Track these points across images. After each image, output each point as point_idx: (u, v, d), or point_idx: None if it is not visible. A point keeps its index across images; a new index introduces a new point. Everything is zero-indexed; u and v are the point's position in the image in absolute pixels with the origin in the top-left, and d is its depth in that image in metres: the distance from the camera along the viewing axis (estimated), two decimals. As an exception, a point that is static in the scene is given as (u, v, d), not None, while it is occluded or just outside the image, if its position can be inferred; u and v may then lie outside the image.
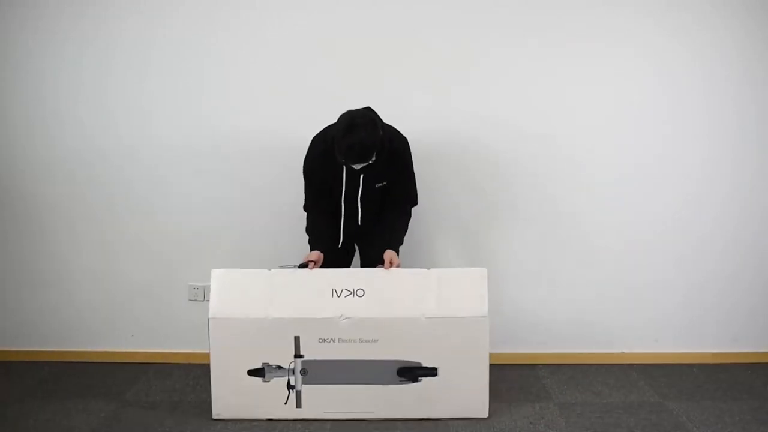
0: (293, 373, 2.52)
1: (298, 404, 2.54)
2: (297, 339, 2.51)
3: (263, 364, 2.52)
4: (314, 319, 2.49)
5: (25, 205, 3.02)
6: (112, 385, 2.87)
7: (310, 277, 2.51)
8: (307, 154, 2.56)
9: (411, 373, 2.52)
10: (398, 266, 2.54)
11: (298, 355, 2.51)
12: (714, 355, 3.08)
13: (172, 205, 3.00)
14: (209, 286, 2.53)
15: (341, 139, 2.31)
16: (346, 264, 2.71)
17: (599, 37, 2.87)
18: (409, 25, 2.86)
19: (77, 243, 3.04)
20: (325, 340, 2.50)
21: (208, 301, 2.53)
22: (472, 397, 2.55)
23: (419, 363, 2.52)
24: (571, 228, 3.00)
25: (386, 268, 2.52)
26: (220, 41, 2.88)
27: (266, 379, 2.52)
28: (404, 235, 2.63)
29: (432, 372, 2.52)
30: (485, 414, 2.56)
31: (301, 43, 2.87)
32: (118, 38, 2.88)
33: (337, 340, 2.49)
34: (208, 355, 2.52)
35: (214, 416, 2.55)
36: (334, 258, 2.60)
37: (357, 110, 2.38)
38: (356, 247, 2.74)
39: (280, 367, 2.52)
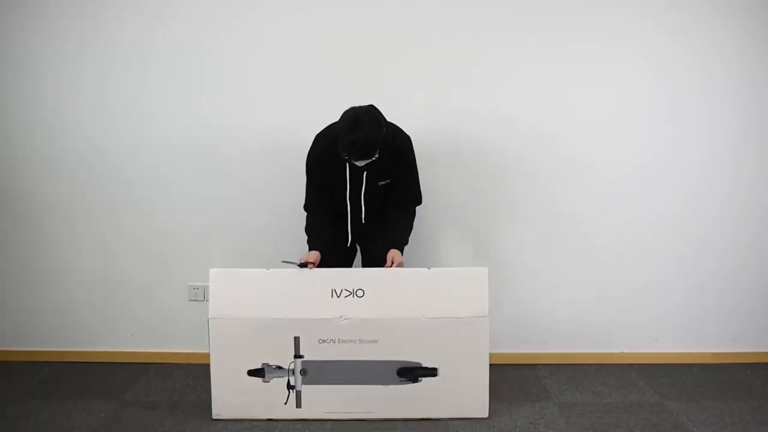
0: (293, 374, 2.52)
1: (298, 404, 2.54)
2: (297, 339, 2.51)
3: (263, 364, 2.52)
4: (314, 320, 2.49)
5: (25, 205, 3.02)
6: (112, 385, 2.87)
7: (310, 278, 2.51)
8: (310, 151, 2.56)
9: (411, 373, 2.52)
10: (400, 265, 2.52)
11: (298, 356, 2.51)
12: (714, 355, 3.08)
13: (172, 205, 3.00)
14: (209, 286, 2.53)
15: (345, 135, 2.31)
16: (348, 264, 2.71)
17: (599, 37, 2.87)
18: (409, 25, 2.86)
19: (77, 243, 3.04)
20: (324, 341, 2.50)
21: (208, 301, 2.53)
22: (472, 397, 2.55)
23: (419, 363, 2.52)
24: (571, 228, 3.01)
25: (387, 266, 2.51)
26: (220, 41, 2.88)
27: (266, 379, 2.52)
28: (409, 234, 2.61)
29: (432, 372, 2.52)
30: (485, 414, 2.56)
31: (301, 43, 2.87)
32: (118, 38, 2.88)
33: (336, 341, 2.50)
34: (208, 355, 2.53)
35: (214, 416, 2.55)
36: (336, 257, 2.59)
37: (360, 107, 2.38)
38: (358, 247, 2.73)
39: (280, 368, 2.52)
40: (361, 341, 2.50)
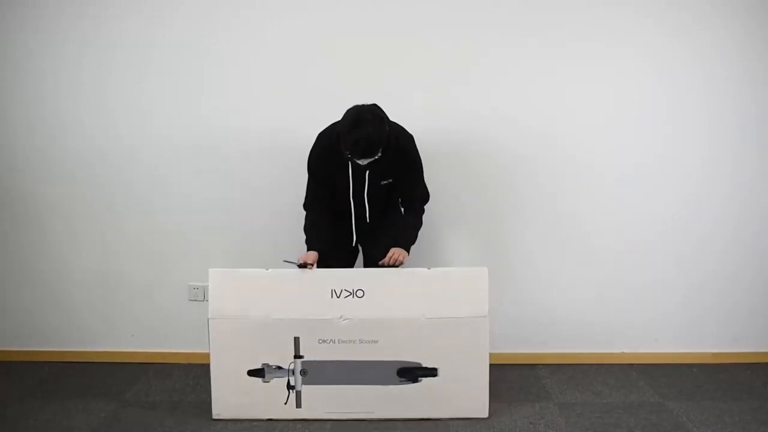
0: (293, 374, 2.52)
1: (298, 404, 2.54)
2: (297, 339, 2.51)
3: (263, 364, 2.52)
4: (314, 320, 2.49)
5: (25, 205, 3.02)
6: (112, 385, 2.87)
7: (310, 278, 2.51)
8: (312, 149, 2.55)
9: (411, 373, 2.52)
10: (401, 263, 2.51)
11: (297, 356, 2.51)
12: (714, 355, 3.08)
13: (172, 205, 3.00)
14: (209, 286, 2.53)
15: (347, 134, 2.31)
16: (350, 264, 2.70)
17: (599, 37, 2.87)
18: (409, 25, 2.86)
19: (77, 243, 3.04)
20: (324, 341, 2.50)
21: (207, 301, 2.53)
22: (472, 397, 2.55)
23: (419, 363, 2.52)
24: (571, 228, 3.01)
25: (384, 262, 2.50)
26: (220, 41, 2.88)
27: (266, 379, 2.52)
28: (416, 233, 2.59)
29: (432, 372, 2.52)
30: (485, 414, 2.56)
31: (301, 43, 2.87)
32: (118, 38, 2.88)
33: (336, 341, 2.50)
34: (208, 355, 2.53)
35: (214, 416, 2.55)
36: (336, 258, 2.59)
37: (364, 105, 2.37)
38: (360, 248, 2.72)
39: (280, 368, 2.52)
40: (361, 341, 2.50)
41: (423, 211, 2.62)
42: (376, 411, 2.54)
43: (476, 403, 2.55)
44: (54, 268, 3.06)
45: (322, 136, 2.53)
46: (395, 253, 2.50)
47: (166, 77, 2.90)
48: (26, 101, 2.94)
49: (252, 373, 2.52)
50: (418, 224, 2.60)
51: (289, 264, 2.53)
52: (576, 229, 3.01)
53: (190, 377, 2.93)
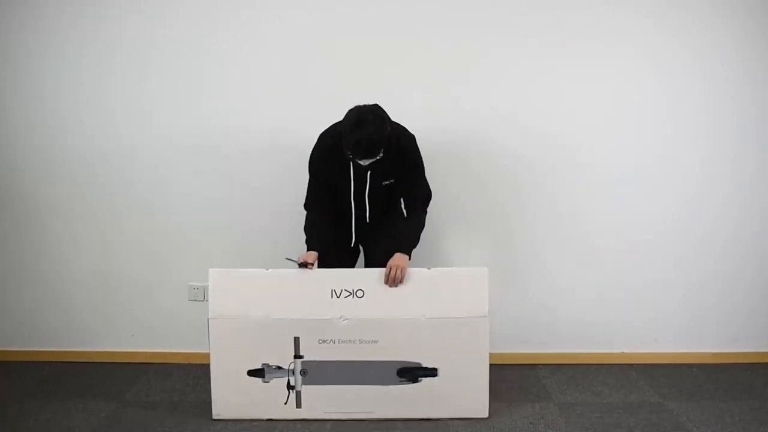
0: (293, 374, 2.52)
1: (298, 404, 2.54)
2: (297, 339, 2.51)
3: (263, 364, 2.52)
4: (314, 320, 2.49)
5: (25, 205, 3.02)
6: (112, 385, 2.87)
7: (310, 278, 2.51)
8: (314, 149, 2.54)
9: (411, 373, 2.52)
10: (401, 280, 2.46)
11: (297, 356, 2.51)
12: (714, 355, 3.08)
13: (172, 205, 3.00)
14: (209, 286, 2.52)
15: (349, 134, 2.30)
16: (350, 265, 2.69)
17: (599, 37, 2.87)
18: (409, 25, 2.86)
19: (77, 243, 3.04)
20: (324, 341, 2.50)
21: (207, 301, 2.53)
22: (472, 397, 2.55)
23: (419, 363, 2.52)
24: (571, 228, 3.01)
25: (387, 283, 2.47)
26: (220, 41, 2.88)
27: (266, 379, 2.52)
28: (418, 234, 2.56)
29: (432, 372, 2.52)
30: (485, 414, 2.56)
31: (301, 43, 2.87)
32: (118, 38, 2.88)
33: (336, 341, 2.50)
34: (208, 355, 2.53)
35: (214, 416, 2.55)
36: (337, 258, 2.58)
37: (365, 106, 2.37)
38: (361, 248, 2.72)
39: (280, 368, 2.52)
40: (361, 341, 2.50)
41: (425, 211, 2.61)
42: (376, 411, 2.54)
43: (476, 403, 2.55)
44: (54, 268, 3.06)
45: (324, 136, 2.53)
46: (394, 269, 2.45)
47: (166, 77, 2.90)
48: (26, 101, 2.94)
49: (252, 373, 2.52)
50: (420, 225, 2.59)
51: (291, 262, 2.53)
52: (576, 229, 3.01)
53: (190, 377, 2.93)
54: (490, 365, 2.54)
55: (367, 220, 2.57)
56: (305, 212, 2.60)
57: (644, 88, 2.91)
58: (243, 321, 2.50)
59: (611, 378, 2.94)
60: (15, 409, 2.66)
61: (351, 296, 2.49)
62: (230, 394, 2.54)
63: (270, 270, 2.52)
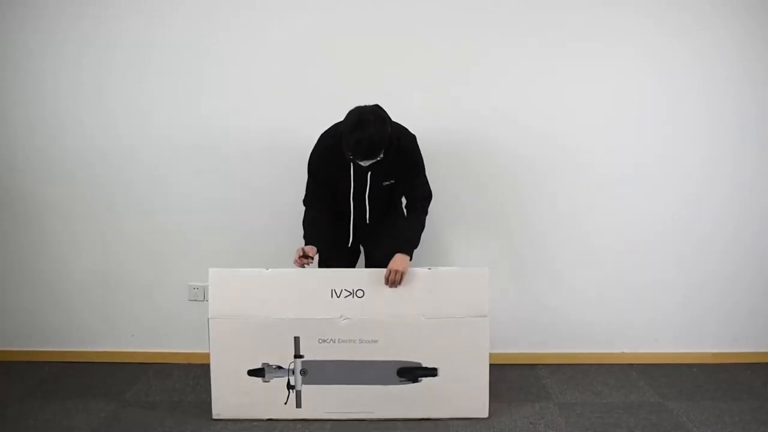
0: (293, 374, 2.52)
1: (298, 404, 2.54)
2: (297, 339, 2.51)
3: (263, 364, 2.52)
4: (314, 320, 2.49)
5: (25, 205, 3.02)
6: (112, 385, 2.87)
7: (310, 278, 2.51)
8: (314, 149, 2.53)
9: (411, 373, 2.52)
10: (400, 281, 2.45)
11: (298, 356, 2.51)
12: (714, 355, 3.08)
13: (172, 205, 3.00)
14: (209, 285, 2.53)
15: (349, 134, 2.30)
16: (351, 265, 2.68)
17: (599, 37, 2.87)
18: (409, 25, 2.86)
19: (77, 243, 3.04)
20: (325, 341, 2.50)
21: (207, 301, 2.53)
22: (472, 397, 2.55)
23: (419, 363, 2.52)
24: (571, 228, 3.01)
25: (387, 284, 2.47)
26: (220, 41, 2.88)
27: (266, 379, 2.52)
28: (419, 234, 2.55)
29: (432, 372, 2.52)
30: (485, 414, 2.56)
31: (301, 43, 2.87)
32: (118, 38, 2.88)
33: (336, 341, 2.50)
34: (208, 355, 2.53)
35: (214, 416, 2.56)
36: (337, 258, 2.58)
37: (366, 106, 2.36)
38: (361, 248, 2.71)
39: (280, 367, 2.52)
40: (361, 341, 2.50)
41: (426, 211, 2.59)
42: (376, 411, 2.54)
43: (476, 403, 2.55)
44: (54, 268, 3.06)
45: (324, 137, 2.53)
46: (393, 273, 2.45)
47: (166, 77, 2.90)
48: (26, 101, 2.94)
49: (252, 373, 2.52)
50: (421, 225, 2.57)
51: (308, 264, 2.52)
52: (576, 229, 3.01)
53: (190, 377, 2.93)
54: (490, 365, 2.54)
55: (367, 221, 2.57)
56: (304, 208, 2.59)
57: (644, 88, 2.91)
58: (243, 321, 2.50)
59: (611, 378, 2.94)
60: (15, 409, 2.66)
61: (351, 296, 2.49)
62: (230, 394, 2.54)
63: (270, 270, 2.52)
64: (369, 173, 2.47)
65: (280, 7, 2.86)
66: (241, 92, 2.91)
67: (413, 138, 2.54)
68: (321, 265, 2.56)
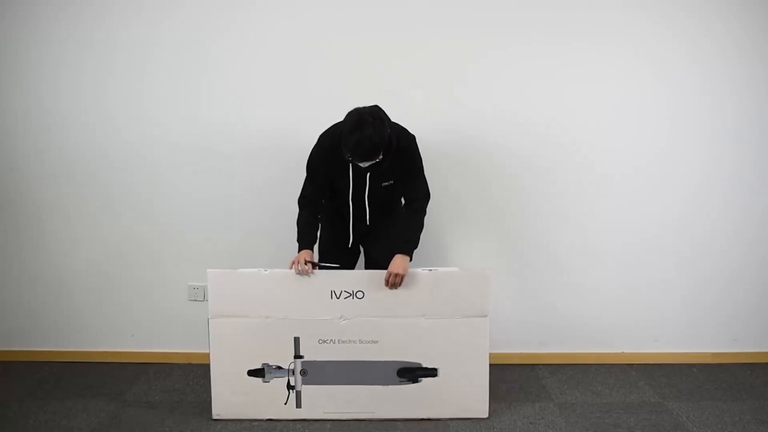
0: (293, 374, 2.52)
1: (298, 404, 2.54)
2: (297, 340, 2.51)
3: (263, 364, 2.52)
4: (314, 320, 2.49)
5: (25, 205, 3.02)
6: (112, 385, 2.87)
7: (310, 279, 2.50)
8: (314, 148, 2.53)
9: (411, 373, 2.52)
10: (400, 282, 2.45)
11: (298, 356, 2.51)
12: (714, 355, 3.08)
13: (172, 205, 3.00)
14: (208, 286, 2.52)
15: (349, 136, 2.29)
16: (351, 265, 2.68)
17: (600, 36, 2.87)
18: (410, 25, 2.85)
19: (77, 243, 3.04)
20: (325, 341, 2.50)
21: (207, 301, 2.53)
22: (472, 397, 2.55)
23: (419, 363, 2.52)
24: (571, 228, 3.00)
25: (387, 285, 2.46)
26: (220, 41, 2.87)
27: (266, 379, 2.52)
28: (418, 234, 2.53)
29: (432, 372, 2.52)
30: (485, 414, 2.56)
31: (301, 43, 2.86)
32: (118, 38, 2.88)
33: (337, 341, 2.50)
34: (208, 355, 2.53)
35: (214, 416, 2.56)
36: (338, 259, 2.57)
37: (365, 108, 2.36)
38: (361, 249, 2.71)
39: (280, 368, 2.52)
40: (361, 341, 2.50)
41: (424, 211, 2.58)
42: (376, 411, 2.54)
43: (476, 403, 2.56)
44: (54, 268, 3.06)
45: (324, 137, 2.52)
46: (393, 276, 2.45)
47: (166, 77, 2.90)
48: (26, 101, 2.94)
49: (252, 373, 2.52)
50: (420, 225, 2.55)
51: (327, 267, 2.52)
52: (576, 229, 3.00)
53: (190, 377, 2.93)
54: (490, 365, 2.54)
55: (367, 222, 2.57)
56: (299, 207, 2.57)
57: (644, 87, 2.90)
58: (243, 321, 2.50)
59: (611, 378, 2.94)
60: (15, 409, 2.66)
61: (351, 297, 2.49)
62: (230, 394, 2.54)
63: (269, 270, 2.51)
64: (368, 174, 2.47)
65: (280, 8, 2.85)
66: (241, 92, 2.91)
67: (412, 138, 2.53)
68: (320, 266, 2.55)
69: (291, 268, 2.48)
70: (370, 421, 2.54)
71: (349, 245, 2.61)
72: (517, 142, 2.93)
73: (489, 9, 2.84)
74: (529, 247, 3.02)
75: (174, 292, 3.06)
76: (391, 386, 2.53)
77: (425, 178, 2.58)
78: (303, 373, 2.52)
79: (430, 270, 2.52)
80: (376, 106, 2.38)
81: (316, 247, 2.59)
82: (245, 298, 2.51)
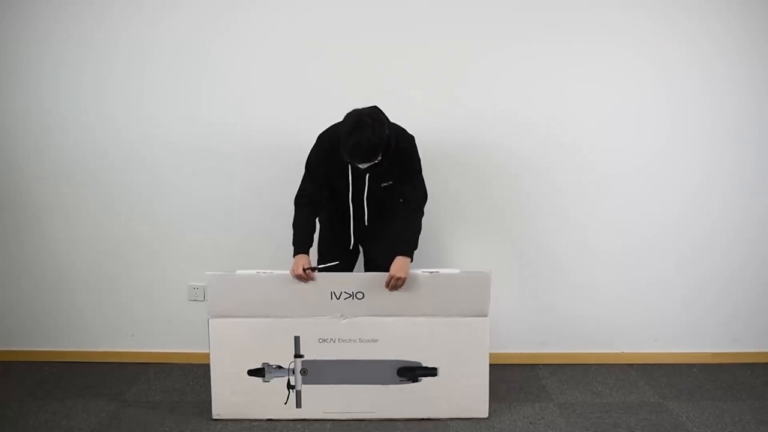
0: (293, 373, 2.52)
1: (298, 404, 2.54)
2: (297, 339, 2.51)
3: (263, 364, 2.52)
4: (314, 320, 2.49)
5: (25, 205, 3.02)
6: (112, 385, 2.87)
7: (309, 282, 2.48)
8: (313, 148, 2.52)
9: (411, 373, 2.52)
10: (402, 284, 2.44)
11: (298, 355, 2.51)
12: (714, 355, 3.08)
13: (172, 205, 3.00)
14: (206, 287, 2.52)
15: (347, 137, 2.29)
16: (350, 265, 2.68)
17: (600, 36, 2.87)
18: (410, 25, 2.85)
19: (77, 243, 3.04)
20: (325, 340, 2.50)
21: (207, 301, 2.53)
22: (472, 397, 2.55)
23: (419, 363, 2.52)
24: (571, 228, 3.00)
25: (387, 287, 2.45)
26: (220, 41, 2.87)
27: (266, 379, 2.52)
28: (417, 236, 2.52)
29: (432, 372, 2.52)
30: (485, 414, 2.56)
31: (301, 42, 2.86)
32: (118, 38, 2.88)
33: (337, 340, 2.50)
34: (208, 355, 2.53)
35: (214, 416, 2.56)
36: (338, 258, 2.57)
37: (364, 109, 2.35)
38: (360, 249, 2.70)
39: (280, 367, 2.52)
40: (361, 341, 2.50)
41: (423, 211, 2.57)
42: (376, 411, 2.54)
43: (476, 403, 2.56)
44: (54, 268, 3.06)
45: (323, 137, 2.52)
46: (393, 280, 2.44)
47: (166, 77, 2.90)
48: (26, 101, 2.94)
49: (252, 372, 2.52)
50: (418, 225, 2.54)
51: (326, 269, 2.51)
52: (576, 229, 3.00)
53: (190, 377, 2.93)
54: (490, 365, 2.54)
55: (366, 223, 2.57)
56: (295, 207, 2.55)
57: (644, 87, 2.90)
58: (243, 321, 2.50)
59: (611, 378, 2.94)
60: (15, 409, 2.66)
61: (351, 298, 2.49)
62: (230, 394, 2.54)
63: (269, 271, 2.49)
64: (367, 175, 2.47)
65: (280, 8, 2.85)
66: (241, 92, 2.91)
67: (411, 138, 2.53)
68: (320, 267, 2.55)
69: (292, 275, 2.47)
70: (370, 420, 2.54)
71: (351, 246, 2.61)
72: (517, 142, 2.93)
73: (489, 9, 2.84)
74: (529, 247, 3.03)
75: (174, 292, 3.06)
76: (391, 386, 2.52)
77: (423, 179, 2.58)
78: (303, 372, 2.52)
79: (431, 272, 2.50)
80: (375, 107, 2.38)
81: (315, 247, 2.59)
82: (244, 299, 2.51)
